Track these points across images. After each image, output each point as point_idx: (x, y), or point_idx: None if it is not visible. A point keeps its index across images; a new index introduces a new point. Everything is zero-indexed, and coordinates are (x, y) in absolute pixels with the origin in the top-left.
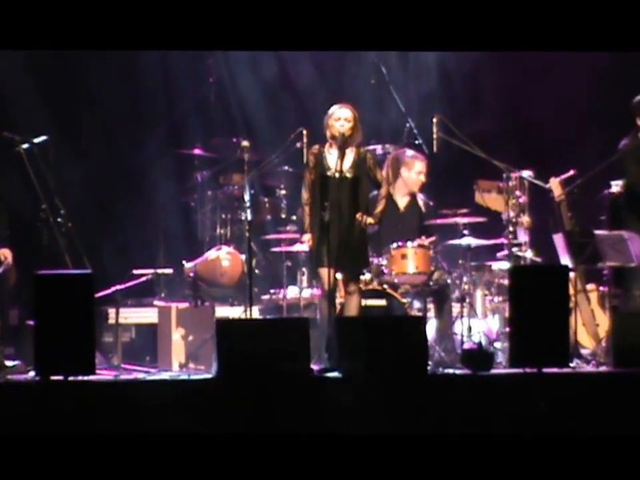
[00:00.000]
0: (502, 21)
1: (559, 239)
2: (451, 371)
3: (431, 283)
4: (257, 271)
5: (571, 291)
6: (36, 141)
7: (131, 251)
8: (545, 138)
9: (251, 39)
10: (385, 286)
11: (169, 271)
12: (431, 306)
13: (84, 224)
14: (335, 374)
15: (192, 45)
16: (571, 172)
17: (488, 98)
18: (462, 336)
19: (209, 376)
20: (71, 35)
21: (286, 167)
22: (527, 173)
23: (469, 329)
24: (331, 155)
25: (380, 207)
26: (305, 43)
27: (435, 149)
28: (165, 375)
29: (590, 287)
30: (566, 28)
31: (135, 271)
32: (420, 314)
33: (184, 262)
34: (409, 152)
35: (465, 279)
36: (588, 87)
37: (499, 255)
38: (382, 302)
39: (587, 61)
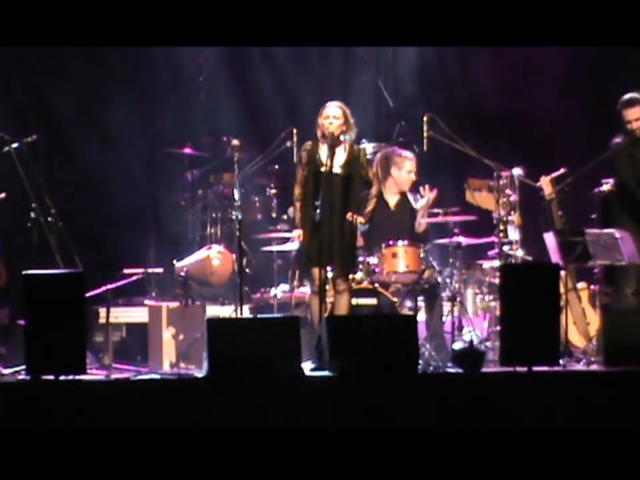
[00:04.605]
0: (491, 15)
1: (549, 238)
2: (441, 369)
3: (422, 282)
4: (247, 270)
5: (562, 290)
6: (26, 140)
7: (122, 250)
8: (535, 136)
9: (244, 35)
10: (376, 285)
11: (160, 270)
12: (421, 305)
13: (74, 223)
14: (325, 373)
15: (184, 40)
16: (562, 170)
17: (478, 95)
18: (452, 335)
19: (199, 375)
20: (65, 31)
21: (276, 166)
22: (517, 172)
23: (460, 327)
24: (324, 152)
25: (371, 206)
26: (297, 38)
27: (425, 147)
28: (155, 375)
29: (581, 285)
30: (557, 22)
31: (126, 270)
32: (411, 313)
33: (174, 261)
34: (398, 151)
35: (455, 277)
36: (578, 83)
37: (490, 253)
38: (373, 301)
39: (578, 56)
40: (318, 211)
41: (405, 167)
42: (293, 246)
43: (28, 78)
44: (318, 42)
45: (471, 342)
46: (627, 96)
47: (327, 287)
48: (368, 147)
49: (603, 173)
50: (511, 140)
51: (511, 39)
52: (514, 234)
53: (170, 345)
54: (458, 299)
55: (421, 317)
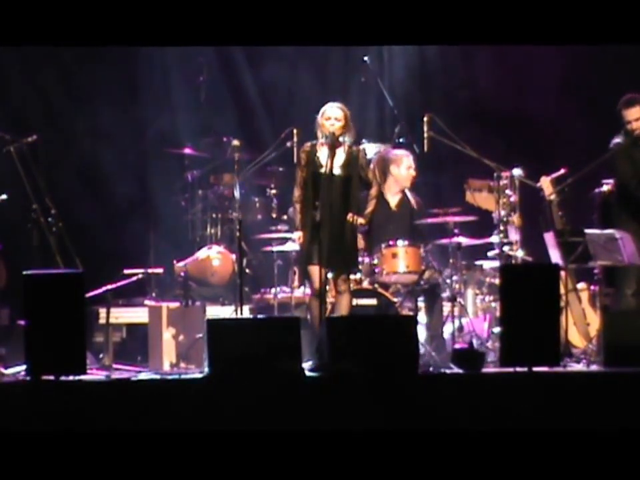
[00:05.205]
0: (490, 13)
1: (549, 238)
2: (441, 370)
3: (422, 282)
4: (247, 271)
5: (562, 290)
6: (27, 140)
7: (122, 250)
8: (535, 136)
9: (244, 34)
10: (376, 285)
11: (160, 270)
12: (421, 305)
13: (74, 223)
14: (325, 373)
15: (184, 40)
16: (562, 171)
17: (478, 96)
18: (453, 335)
19: (199, 375)
20: (64, 30)
21: (276, 167)
22: (517, 172)
23: (460, 328)
24: (323, 153)
25: (370, 207)
26: (297, 37)
27: (425, 148)
28: (155, 375)
29: (581, 286)
30: (557, 21)
31: (126, 271)
32: (411, 313)
33: (174, 261)
34: (394, 150)
35: (455, 278)
36: (578, 83)
37: (490, 254)
38: (373, 301)
39: (578, 56)
40: (317, 212)
41: (404, 164)
42: (293, 246)
43: (28, 77)
44: (318, 41)
45: (471, 343)
46: (627, 96)
47: (327, 287)
48: (368, 147)
49: (603, 174)
50: (511, 140)
51: (511, 37)
52: (514, 234)
53: (170, 346)
54: (458, 300)
55: (421, 317)
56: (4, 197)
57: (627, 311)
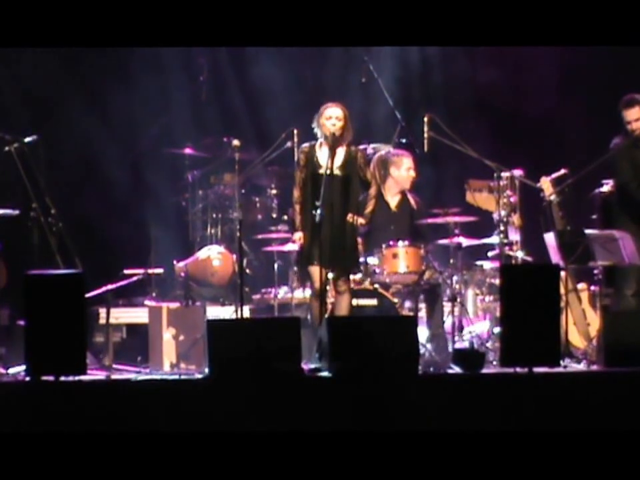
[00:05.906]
0: (488, 15)
1: (550, 238)
2: (441, 370)
3: (422, 283)
4: (247, 271)
5: (562, 291)
6: (26, 140)
7: (122, 250)
8: (536, 136)
9: (244, 35)
10: (377, 285)
11: (160, 270)
12: (422, 305)
13: (74, 223)
14: (325, 374)
15: (182, 41)
16: (562, 171)
17: (478, 96)
18: (453, 335)
19: (199, 376)
20: (63, 31)
21: (277, 167)
22: (517, 172)
23: (460, 328)
24: (322, 154)
25: (370, 207)
26: (297, 39)
27: (425, 148)
28: (156, 375)
29: (581, 286)
30: (557, 22)
31: (126, 271)
32: (411, 313)
33: (175, 262)
34: (394, 151)
35: (456, 278)
36: (579, 84)
37: (490, 254)
38: (373, 301)
39: (579, 56)
40: (319, 211)
41: (404, 165)
42: (293, 247)
43: (28, 75)
44: (318, 42)
45: (472, 343)
46: (627, 96)
47: (328, 287)
48: (369, 148)
49: (603, 174)
50: (512, 140)
51: (511, 39)
52: (514, 235)
53: (170, 346)
54: (458, 300)
55: (422, 317)
56: (17, 212)
57: (627, 311)
